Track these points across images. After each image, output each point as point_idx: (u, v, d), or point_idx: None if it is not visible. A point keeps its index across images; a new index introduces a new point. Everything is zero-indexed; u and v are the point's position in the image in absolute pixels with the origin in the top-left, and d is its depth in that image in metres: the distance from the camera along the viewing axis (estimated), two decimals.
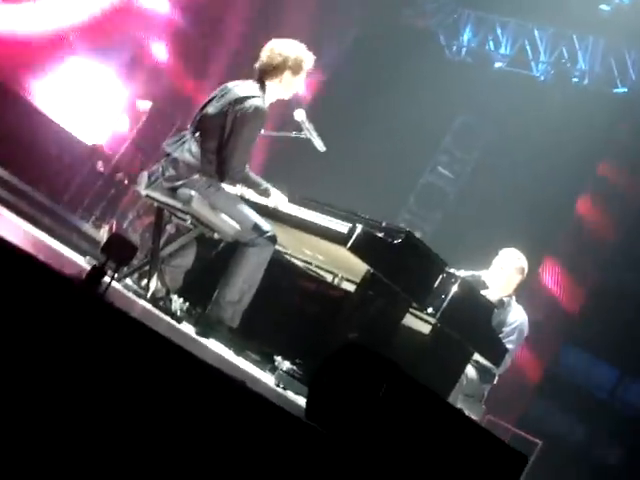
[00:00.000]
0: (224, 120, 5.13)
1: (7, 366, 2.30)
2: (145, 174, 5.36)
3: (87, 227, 9.94)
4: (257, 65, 5.31)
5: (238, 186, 5.47)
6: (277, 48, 5.30)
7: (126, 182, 11.78)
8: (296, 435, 2.90)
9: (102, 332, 2.57)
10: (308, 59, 5.33)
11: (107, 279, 3.23)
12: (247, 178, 5.25)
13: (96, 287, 2.96)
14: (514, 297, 6.48)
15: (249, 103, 5.12)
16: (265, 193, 5.30)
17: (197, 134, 5.22)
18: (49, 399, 2.37)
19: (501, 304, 6.22)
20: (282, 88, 5.34)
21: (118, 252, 3.20)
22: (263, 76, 5.29)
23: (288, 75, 5.29)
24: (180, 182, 5.13)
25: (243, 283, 5.06)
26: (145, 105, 12.30)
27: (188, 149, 5.18)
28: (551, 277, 13.39)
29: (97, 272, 3.01)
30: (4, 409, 2.26)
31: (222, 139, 5.13)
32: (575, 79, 13.19)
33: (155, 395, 2.65)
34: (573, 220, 13.48)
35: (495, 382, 6.27)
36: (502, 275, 6.41)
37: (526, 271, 6.51)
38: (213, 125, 5.18)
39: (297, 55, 5.29)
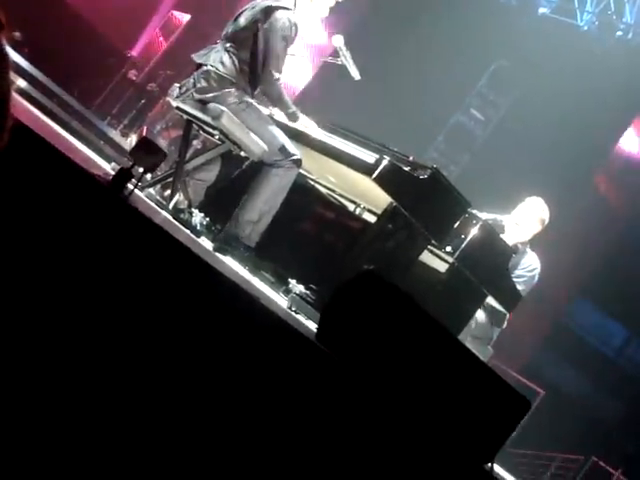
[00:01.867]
0: (255, 29, 5.14)
1: (32, 255, 2.33)
2: (176, 85, 5.35)
3: (114, 134, 9.91)
4: None
5: (269, 106, 5.45)
6: None
7: (157, 93, 11.73)
8: (305, 355, 2.94)
9: (124, 235, 2.59)
10: None
11: (131, 185, 3.24)
12: (279, 93, 5.21)
13: (122, 190, 2.98)
14: (529, 245, 6.47)
15: (280, 14, 5.11)
16: (293, 116, 5.28)
17: (228, 44, 5.20)
18: (69, 287, 2.41)
19: (516, 249, 6.21)
20: (312, 5, 5.33)
21: (146, 156, 3.20)
22: None
23: None
24: (212, 94, 5.10)
25: (264, 204, 5.05)
26: (182, 17, 12.20)
27: (220, 59, 5.15)
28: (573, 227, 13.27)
29: (124, 175, 3.01)
30: (27, 291, 2.30)
31: (255, 48, 5.12)
32: (619, 32, 12.89)
33: (170, 300, 2.69)
34: (592, 183, 13.38)
35: (505, 326, 6.30)
36: (523, 222, 6.39)
37: (547, 223, 6.49)
38: (245, 35, 5.17)
39: None
